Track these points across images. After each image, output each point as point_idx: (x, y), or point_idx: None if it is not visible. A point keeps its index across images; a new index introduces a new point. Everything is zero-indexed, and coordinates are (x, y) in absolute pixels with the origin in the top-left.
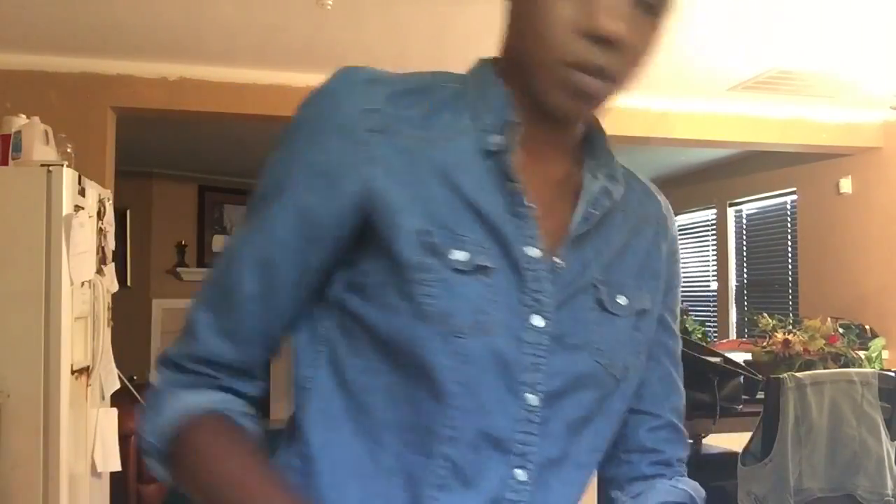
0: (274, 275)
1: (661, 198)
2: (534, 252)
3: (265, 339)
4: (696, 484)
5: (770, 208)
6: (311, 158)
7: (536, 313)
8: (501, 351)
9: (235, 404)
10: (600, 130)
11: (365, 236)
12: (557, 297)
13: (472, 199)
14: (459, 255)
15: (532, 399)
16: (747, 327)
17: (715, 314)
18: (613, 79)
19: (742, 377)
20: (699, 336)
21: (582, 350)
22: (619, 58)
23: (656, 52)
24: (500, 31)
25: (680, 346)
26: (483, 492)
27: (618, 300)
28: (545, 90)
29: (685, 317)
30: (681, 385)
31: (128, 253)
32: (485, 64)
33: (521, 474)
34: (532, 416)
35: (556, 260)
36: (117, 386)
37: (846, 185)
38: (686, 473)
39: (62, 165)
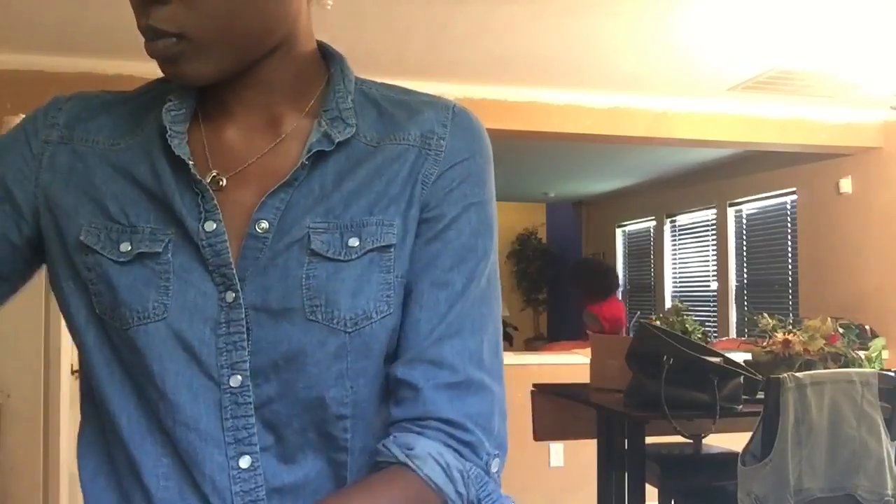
0: None
1: (441, 111)
2: (210, 226)
3: None
4: (417, 440)
5: (770, 208)
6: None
7: (227, 290)
8: (182, 335)
9: None
10: (338, 73)
11: (50, 243)
12: (260, 263)
13: (148, 186)
14: (123, 247)
15: (236, 379)
16: (747, 327)
17: (715, 314)
18: (178, 35)
19: (742, 377)
20: (699, 336)
21: (293, 312)
22: (170, 14)
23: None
24: None
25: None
26: (202, 483)
27: (349, 243)
28: None
29: (685, 316)
30: (442, 323)
31: None
32: None
33: (244, 461)
34: (240, 397)
35: (260, 224)
36: None
37: (846, 185)
38: (422, 418)
39: None
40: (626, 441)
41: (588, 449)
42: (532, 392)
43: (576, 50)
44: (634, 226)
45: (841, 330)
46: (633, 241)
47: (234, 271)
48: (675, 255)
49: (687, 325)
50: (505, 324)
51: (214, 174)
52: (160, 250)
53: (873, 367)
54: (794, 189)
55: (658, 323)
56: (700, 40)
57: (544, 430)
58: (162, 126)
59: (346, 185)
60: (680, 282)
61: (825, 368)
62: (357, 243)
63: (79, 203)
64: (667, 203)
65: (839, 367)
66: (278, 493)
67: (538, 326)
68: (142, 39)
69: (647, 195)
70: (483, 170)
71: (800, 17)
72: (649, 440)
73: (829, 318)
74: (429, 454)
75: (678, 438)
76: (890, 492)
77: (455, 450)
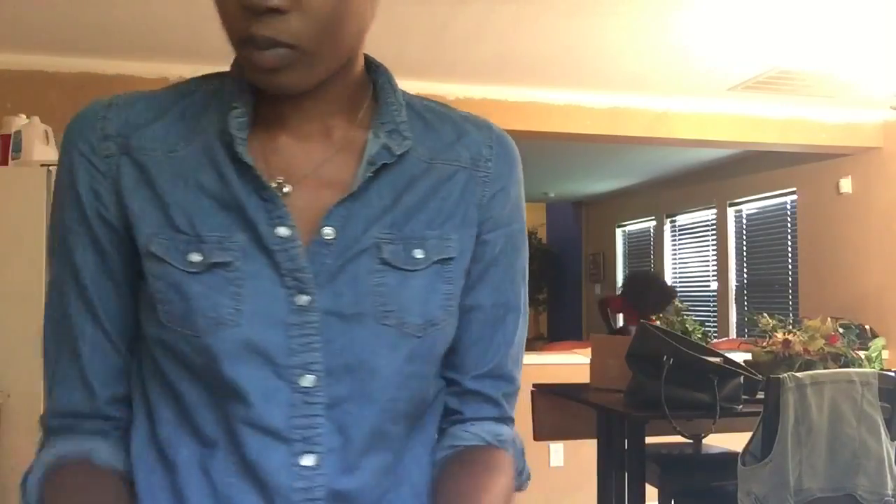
0: (89, 300)
1: (485, 132)
2: (284, 231)
3: (108, 373)
4: (500, 428)
5: (770, 208)
6: (73, 198)
7: (300, 293)
8: (255, 340)
9: (101, 446)
10: (389, 85)
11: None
12: (329, 269)
13: (217, 195)
14: (194, 257)
15: (308, 379)
16: (747, 327)
17: (715, 314)
18: (290, 46)
19: (742, 377)
20: (699, 336)
21: (365, 317)
22: (288, 24)
23: (358, 10)
24: None
25: (516, 295)
26: (266, 480)
27: (413, 255)
28: (245, 71)
29: (685, 316)
30: (505, 342)
31: None
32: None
33: (308, 459)
34: (311, 397)
35: (327, 231)
36: None
37: (846, 185)
38: (500, 418)
39: None
40: (626, 441)
41: (588, 449)
42: (532, 392)
43: (576, 50)
44: (634, 226)
45: (841, 330)
46: (633, 241)
47: (310, 276)
48: (675, 255)
49: (687, 325)
50: None
51: (280, 181)
52: (231, 259)
53: (873, 367)
54: (794, 189)
55: (658, 323)
56: (700, 40)
57: (544, 430)
58: (226, 132)
59: (405, 199)
60: (680, 282)
61: (825, 368)
62: (422, 255)
63: (144, 213)
64: (667, 203)
65: (839, 367)
66: (339, 497)
67: (538, 326)
68: (142, 40)
69: (647, 195)
70: (522, 193)
71: (800, 17)
72: (649, 440)
73: (829, 318)
74: (513, 440)
75: (678, 438)
76: (890, 492)
77: (516, 435)
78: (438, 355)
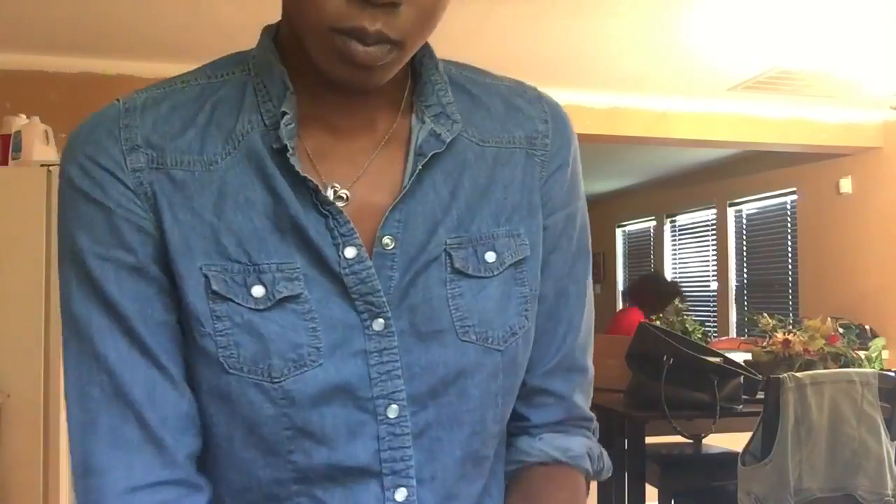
0: (142, 345)
1: (536, 102)
2: (351, 252)
3: (180, 423)
4: (569, 441)
5: (770, 208)
6: (97, 215)
7: (375, 318)
8: (333, 378)
9: None
10: (430, 61)
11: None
12: (399, 284)
13: (271, 212)
14: (256, 291)
15: (394, 410)
16: (747, 327)
17: (715, 314)
18: (396, 42)
19: (742, 377)
20: (699, 336)
21: (444, 333)
22: (398, 19)
23: (446, 4)
24: None
25: (582, 280)
26: None
27: (486, 258)
28: (323, 61)
29: (685, 316)
30: (573, 335)
31: None
32: (265, 37)
33: (400, 493)
34: (397, 428)
35: (386, 241)
36: None
37: (846, 185)
38: (569, 420)
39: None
40: (626, 441)
41: None
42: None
43: (576, 50)
44: (634, 226)
45: (841, 330)
46: (633, 241)
47: (385, 299)
48: (675, 255)
49: (687, 325)
50: None
51: (335, 188)
52: (301, 291)
53: (873, 367)
54: (794, 189)
55: (658, 323)
56: (700, 40)
57: None
58: (275, 140)
59: (464, 191)
60: (680, 282)
61: (825, 368)
62: (494, 258)
63: (190, 242)
64: (667, 203)
65: (839, 367)
66: None
67: None
68: (142, 40)
69: (647, 195)
70: (580, 167)
71: (800, 17)
72: (649, 440)
73: (829, 318)
74: (585, 453)
75: (678, 438)
76: (890, 492)
77: (589, 438)
78: (522, 367)
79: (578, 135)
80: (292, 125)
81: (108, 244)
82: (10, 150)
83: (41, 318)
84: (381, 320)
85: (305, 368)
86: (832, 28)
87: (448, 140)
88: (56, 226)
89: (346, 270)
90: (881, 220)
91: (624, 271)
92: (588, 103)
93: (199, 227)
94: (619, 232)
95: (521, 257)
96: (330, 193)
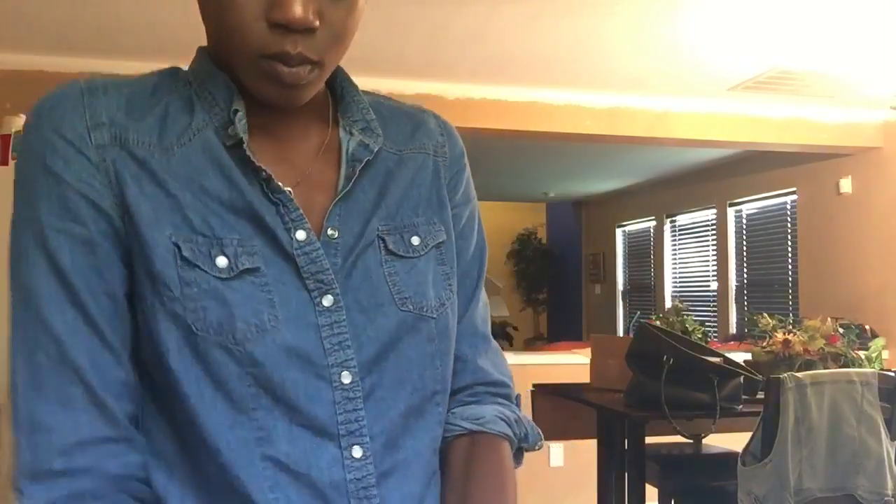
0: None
1: (434, 120)
2: (301, 235)
3: (120, 389)
4: (481, 409)
5: (770, 208)
6: (55, 188)
7: (324, 294)
8: (291, 343)
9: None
10: (350, 84)
11: (132, 255)
12: (343, 267)
13: (226, 198)
14: (220, 262)
15: (346, 376)
16: (747, 327)
17: (715, 314)
18: (315, 62)
19: (742, 377)
20: (699, 336)
21: (385, 306)
22: (315, 41)
23: (358, 25)
24: (203, 19)
25: (475, 269)
26: (318, 479)
27: (412, 242)
28: (252, 83)
29: (685, 316)
30: (474, 306)
31: None
32: (202, 54)
33: (357, 451)
34: (351, 392)
35: (330, 231)
36: None
37: (846, 185)
38: (483, 385)
39: None
40: (626, 441)
41: (588, 449)
42: (532, 392)
43: (576, 50)
44: (634, 226)
45: (841, 330)
46: (633, 241)
47: (333, 276)
48: (675, 255)
49: (687, 325)
50: (505, 324)
51: (288, 188)
52: (259, 265)
53: (873, 367)
54: (794, 189)
55: (658, 323)
56: (700, 40)
57: (544, 430)
58: (230, 136)
59: (389, 192)
60: (680, 282)
61: (825, 368)
62: (418, 242)
63: (158, 213)
64: (667, 203)
65: (839, 367)
66: (386, 477)
67: (538, 326)
68: (142, 40)
69: (647, 195)
70: (469, 171)
71: (800, 17)
72: (649, 440)
73: (829, 318)
74: (495, 416)
75: (678, 438)
76: (890, 492)
77: (502, 404)
78: (453, 332)
79: (578, 135)
80: (244, 121)
81: (64, 217)
82: (10, 150)
83: None
84: (330, 297)
85: (266, 333)
86: (832, 28)
87: (375, 149)
88: None
89: (298, 252)
90: (881, 220)
91: (624, 271)
92: (588, 103)
93: (166, 201)
94: (619, 232)
95: (440, 240)
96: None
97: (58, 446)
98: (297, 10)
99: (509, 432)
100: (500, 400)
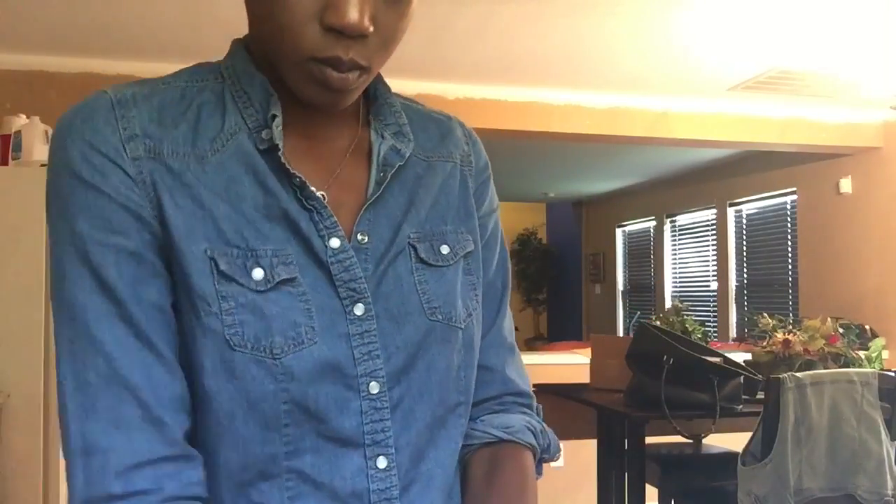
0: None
1: (461, 129)
2: (335, 243)
3: (176, 404)
4: (509, 419)
5: (770, 208)
6: (97, 202)
7: (356, 303)
8: (327, 356)
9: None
10: (384, 86)
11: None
12: (375, 274)
13: (261, 205)
14: (256, 274)
15: (374, 387)
16: (747, 327)
17: (715, 314)
18: (365, 68)
19: (742, 377)
20: (699, 336)
21: (414, 315)
22: (367, 48)
23: (405, 31)
24: (248, 11)
25: (501, 277)
26: (340, 488)
27: (441, 251)
28: (297, 84)
29: (685, 316)
30: (501, 317)
31: None
32: (239, 50)
33: (381, 461)
34: (378, 402)
35: (360, 237)
36: None
37: (846, 185)
38: (508, 395)
39: None
40: (626, 441)
41: (588, 449)
42: (532, 392)
43: (576, 50)
44: (634, 226)
45: (841, 330)
46: (633, 241)
47: (364, 285)
48: (675, 255)
49: (687, 325)
50: None
51: (314, 190)
52: (296, 275)
53: (873, 367)
54: (794, 189)
55: (658, 323)
56: (700, 40)
57: None
58: (266, 140)
59: (418, 198)
60: (680, 282)
61: (825, 368)
62: (448, 251)
63: (192, 226)
64: (667, 203)
65: (839, 367)
66: (408, 488)
67: (538, 326)
68: (142, 40)
69: (647, 195)
70: (492, 181)
71: (800, 17)
72: (649, 440)
73: (829, 318)
74: (523, 426)
75: (678, 438)
76: (890, 492)
77: (528, 414)
78: (477, 343)
79: (578, 135)
80: (280, 127)
81: (106, 230)
82: (10, 150)
83: (41, 318)
84: (361, 305)
85: (304, 346)
86: (832, 28)
87: (406, 155)
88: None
89: (332, 259)
90: (881, 220)
91: (624, 271)
92: (588, 103)
93: (199, 213)
94: (619, 232)
95: (469, 250)
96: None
97: (114, 468)
98: (354, 15)
99: (535, 443)
100: (527, 410)
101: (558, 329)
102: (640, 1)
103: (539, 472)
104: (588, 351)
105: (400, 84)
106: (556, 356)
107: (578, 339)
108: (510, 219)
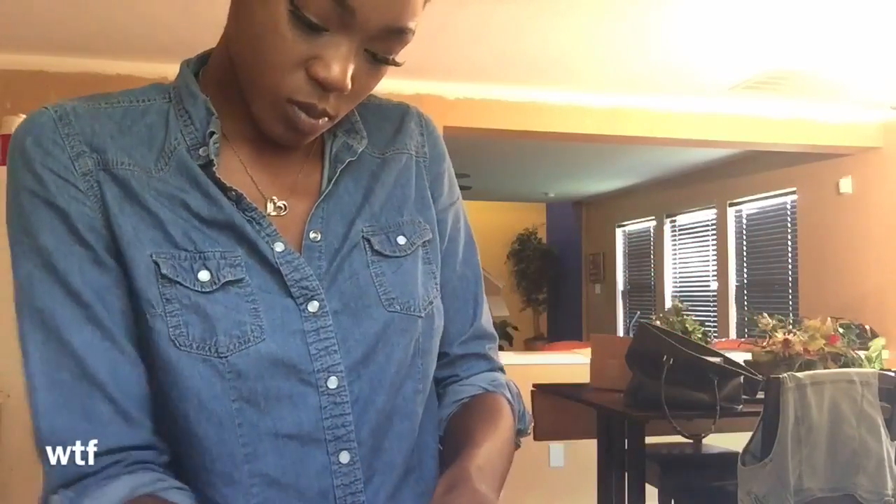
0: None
1: (416, 119)
2: (280, 247)
3: (143, 402)
4: (494, 374)
5: (770, 208)
6: (53, 215)
7: (309, 300)
8: (275, 353)
9: (161, 482)
10: None
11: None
12: (329, 270)
13: (206, 214)
14: (203, 276)
15: (333, 381)
16: (747, 327)
17: (715, 314)
18: (333, 117)
19: (742, 377)
20: (699, 336)
21: (372, 308)
22: (339, 101)
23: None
24: (226, 35)
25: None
26: (306, 487)
27: (398, 241)
28: (265, 118)
29: (685, 316)
30: (480, 309)
31: None
32: (185, 72)
33: (344, 456)
34: (338, 397)
35: (313, 235)
36: None
37: (846, 185)
38: (491, 369)
39: None
40: (626, 441)
41: (588, 449)
42: (532, 392)
43: (576, 50)
44: (634, 226)
45: (841, 330)
46: (633, 241)
47: (317, 283)
48: (675, 255)
49: (687, 325)
50: (505, 324)
51: (274, 201)
52: (243, 276)
53: (873, 367)
54: (794, 189)
55: (658, 323)
56: (700, 40)
57: (544, 430)
58: (203, 157)
59: (373, 192)
60: (680, 282)
61: (825, 368)
62: (404, 241)
63: (138, 231)
64: (667, 203)
65: (839, 367)
66: (371, 479)
67: (538, 326)
68: (142, 40)
69: (647, 195)
70: (451, 170)
71: (800, 17)
72: (649, 440)
73: (829, 318)
74: (505, 384)
75: (678, 438)
76: (890, 492)
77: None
78: (439, 330)
79: (578, 135)
80: (218, 144)
81: (68, 241)
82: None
83: None
84: (315, 302)
85: (249, 344)
86: (832, 28)
87: (359, 150)
88: None
89: (280, 261)
90: (881, 220)
91: (624, 271)
92: (588, 103)
93: (147, 219)
94: (619, 232)
95: (426, 238)
96: (270, 207)
97: (86, 454)
98: (339, 74)
99: (509, 397)
100: (505, 378)
101: (558, 329)
102: (639, 1)
103: (517, 441)
104: (588, 351)
105: (400, 84)
106: (556, 356)
107: (578, 339)
108: (510, 219)
